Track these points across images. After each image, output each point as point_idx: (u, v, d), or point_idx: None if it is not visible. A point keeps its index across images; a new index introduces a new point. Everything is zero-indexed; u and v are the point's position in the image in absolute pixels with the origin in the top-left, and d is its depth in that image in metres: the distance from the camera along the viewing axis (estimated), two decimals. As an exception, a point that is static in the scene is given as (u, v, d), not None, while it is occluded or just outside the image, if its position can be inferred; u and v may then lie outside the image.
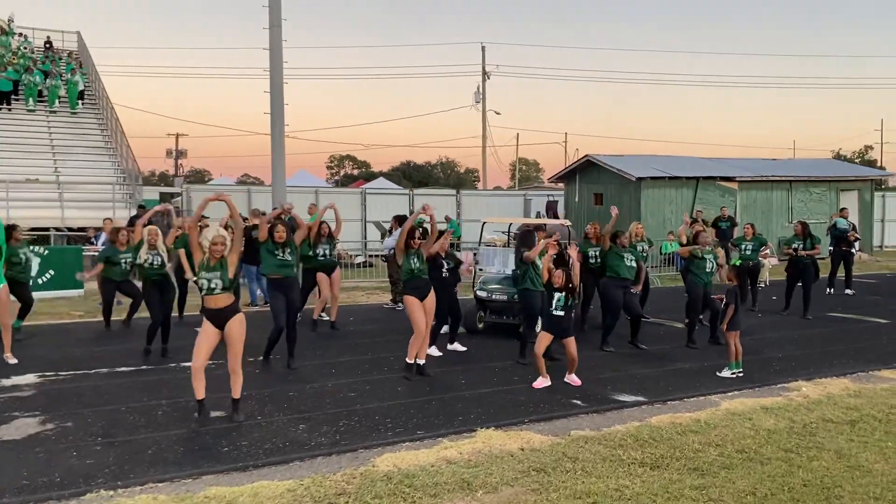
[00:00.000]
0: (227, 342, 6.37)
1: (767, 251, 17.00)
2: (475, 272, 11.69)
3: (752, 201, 23.58)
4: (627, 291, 9.91)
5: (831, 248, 16.33)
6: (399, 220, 15.78)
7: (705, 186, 22.80)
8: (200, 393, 6.36)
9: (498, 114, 53.76)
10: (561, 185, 27.40)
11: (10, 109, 26.38)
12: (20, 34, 30.87)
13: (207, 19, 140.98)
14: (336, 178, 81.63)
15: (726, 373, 8.45)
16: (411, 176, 71.60)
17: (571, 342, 7.82)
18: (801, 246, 12.84)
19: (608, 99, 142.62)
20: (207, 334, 6.29)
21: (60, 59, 30.25)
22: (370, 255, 22.06)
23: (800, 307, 12.98)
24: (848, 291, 15.99)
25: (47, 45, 31.70)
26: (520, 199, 25.47)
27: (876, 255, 25.75)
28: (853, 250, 16.78)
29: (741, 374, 8.44)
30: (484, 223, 12.35)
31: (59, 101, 27.14)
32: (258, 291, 13.95)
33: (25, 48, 29.55)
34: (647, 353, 9.74)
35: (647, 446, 6.01)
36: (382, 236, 21.32)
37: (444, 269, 9.46)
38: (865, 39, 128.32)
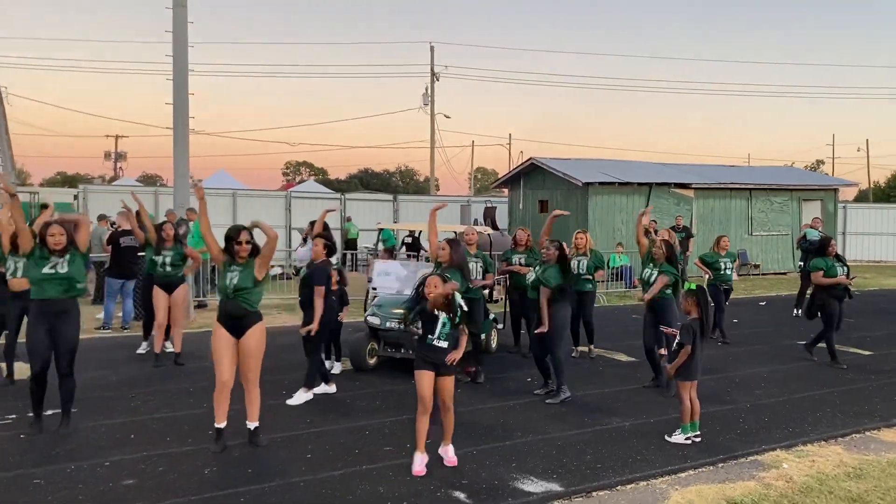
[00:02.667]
0: None
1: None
2: (367, 291, 9.31)
3: (709, 210, 21.63)
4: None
5: (801, 264, 14.26)
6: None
7: (659, 193, 20.78)
8: None
9: (448, 117, 51.28)
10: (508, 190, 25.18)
11: None
12: None
13: (144, 10, 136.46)
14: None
15: (678, 437, 6.19)
16: (369, 184, 69.45)
17: (449, 385, 5.39)
18: (844, 271, 9.38)
19: (561, 104, 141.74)
20: None
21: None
22: (294, 267, 19.58)
23: (766, 337, 10.91)
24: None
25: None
26: (457, 206, 23.26)
27: (839, 269, 24.04)
28: None
29: (698, 440, 6.19)
30: (381, 230, 9.99)
31: (-56, 90, 24.16)
32: (118, 312, 11.39)
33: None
34: (573, 402, 7.44)
35: None
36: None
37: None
38: (819, 51, 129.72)
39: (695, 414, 6.20)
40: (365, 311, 8.91)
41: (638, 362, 9.09)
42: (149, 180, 69.87)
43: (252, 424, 5.91)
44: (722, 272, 10.66)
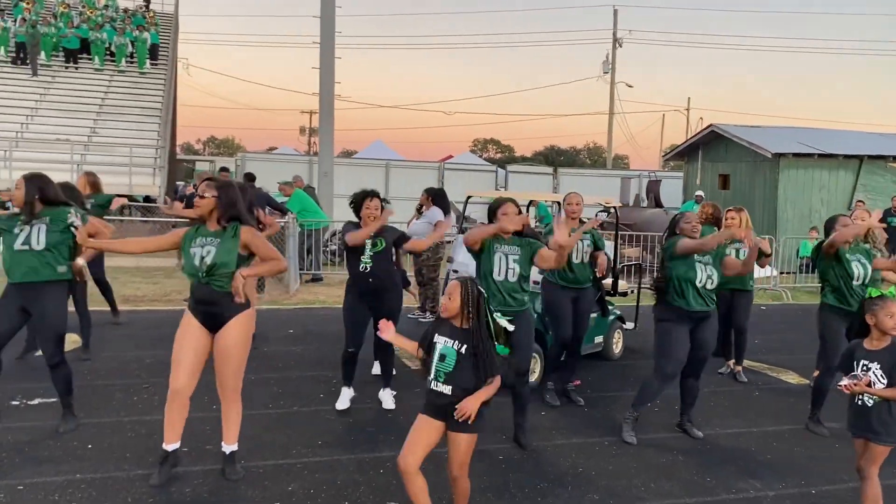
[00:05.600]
0: None
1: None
2: (447, 274, 7.54)
3: (940, 191, 17.47)
4: (702, 326, 5.32)
5: None
6: (433, 194, 11.36)
7: (872, 168, 17.00)
8: None
9: (630, 86, 47.66)
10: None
11: (76, 68, 24.79)
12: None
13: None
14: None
15: (850, 533, 3.87)
16: (554, 161, 67.60)
17: (461, 445, 3.54)
18: None
19: (752, 71, 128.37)
20: None
21: (142, 16, 28.42)
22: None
23: None
24: None
25: (145, 4, 30.08)
26: (618, 179, 20.78)
27: None
28: None
29: (885, 541, 3.84)
30: (468, 198, 8.14)
31: (127, 61, 25.30)
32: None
33: (106, 6, 28.06)
34: (695, 447, 5.24)
35: None
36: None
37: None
38: None
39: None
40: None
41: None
42: (345, 155, 72.28)
43: (229, 448, 4.37)
44: None
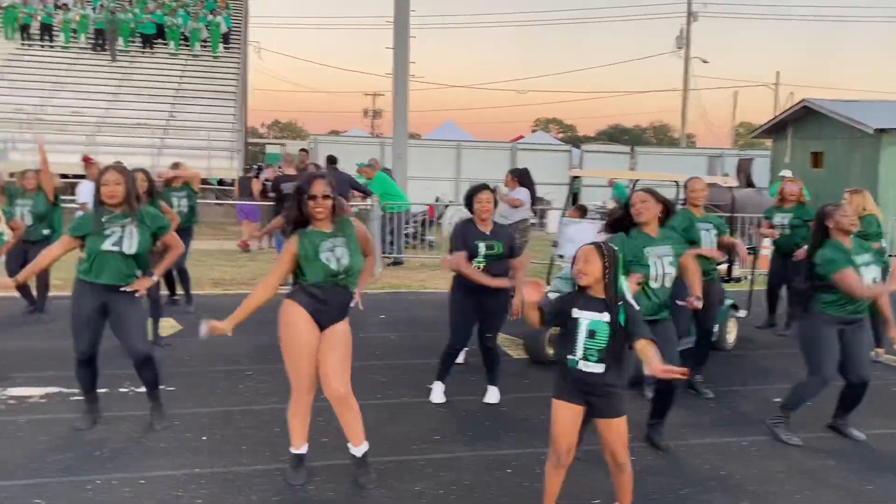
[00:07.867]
0: None
1: None
2: (552, 259, 7.18)
3: None
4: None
5: None
6: (518, 174, 10.83)
7: None
8: None
9: (705, 62, 45.97)
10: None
11: (152, 53, 25.21)
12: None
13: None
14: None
15: None
16: (619, 140, 66.30)
17: (618, 430, 3.33)
18: None
19: (849, 43, 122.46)
20: None
21: (213, 0, 28.70)
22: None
23: None
24: None
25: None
26: (703, 158, 19.96)
27: None
28: None
29: None
30: (574, 178, 7.73)
31: (201, 45, 25.56)
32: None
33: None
34: (845, 448, 4.79)
35: None
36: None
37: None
38: None
39: None
40: (548, 283, 6.80)
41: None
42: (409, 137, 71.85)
43: (358, 450, 4.03)
44: None
